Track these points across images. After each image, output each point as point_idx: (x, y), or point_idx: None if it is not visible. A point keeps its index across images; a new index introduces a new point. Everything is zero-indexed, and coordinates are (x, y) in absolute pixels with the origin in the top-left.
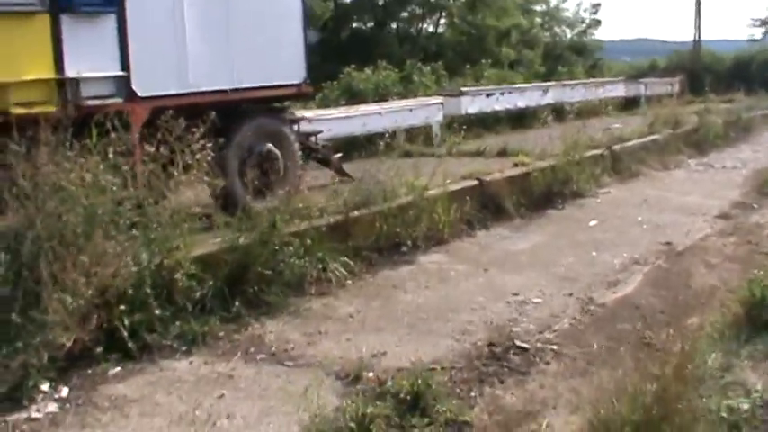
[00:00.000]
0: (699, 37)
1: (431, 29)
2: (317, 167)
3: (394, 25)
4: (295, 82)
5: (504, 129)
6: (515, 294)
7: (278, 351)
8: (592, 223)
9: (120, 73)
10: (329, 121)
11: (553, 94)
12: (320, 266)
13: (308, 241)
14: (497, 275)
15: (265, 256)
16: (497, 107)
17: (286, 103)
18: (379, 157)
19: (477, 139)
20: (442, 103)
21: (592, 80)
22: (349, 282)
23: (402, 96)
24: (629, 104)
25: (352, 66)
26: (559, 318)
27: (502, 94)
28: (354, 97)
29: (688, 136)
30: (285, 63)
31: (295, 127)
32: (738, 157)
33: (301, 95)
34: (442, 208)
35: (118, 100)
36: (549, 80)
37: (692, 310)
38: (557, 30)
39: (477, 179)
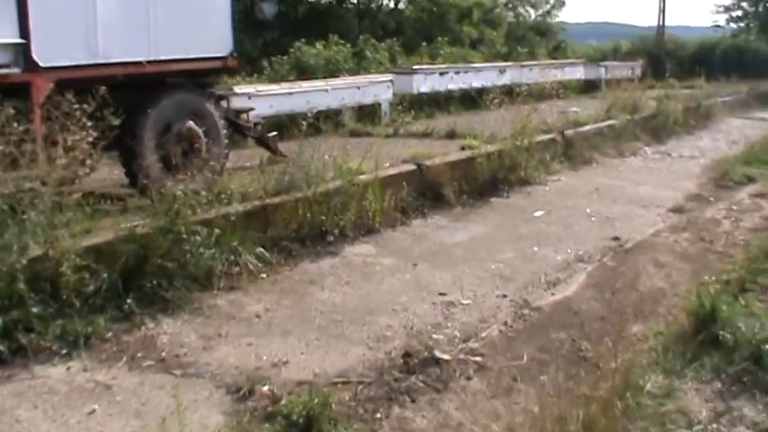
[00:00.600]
0: (663, 22)
1: (391, 5)
2: (252, 146)
3: (354, 0)
4: (220, 55)
5: (458, 109)
6: (443, 294)
7: (168, 357)
8: (537, 214)
9: (18, 40)
10: (270, 97)
11: (510, 74)
12: (231, 258)
13: (219, 230)
14: (427, 271)
15: (166, 246)
16: (451, 86)
17: (214, 78)
18: (322, 137)
19: (428, 119)
20: (392, 81)
21: (551, 61)
22: (263, 276)
23: (354, 73)
24: (588, 88)
25: (302, 40)
26: (488, 323)
27: (456, 73)
28: (304, 73)
29: (646, 122)
30: (209, 34)
31: (223, 103)
32: (697, 145)
33: (227, 69)
34: (373, 195)
35: (14, 70)
36: (518, 60)
37: (636, 317)
38: (520, 10)
39: (416, 164)
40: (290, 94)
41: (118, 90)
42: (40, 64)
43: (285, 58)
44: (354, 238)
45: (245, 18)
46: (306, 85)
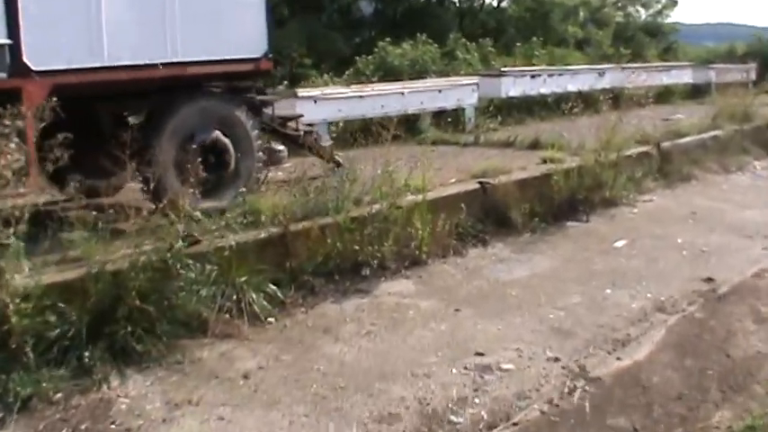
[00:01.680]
0: None
1: (494, 3)
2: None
3: None
4: (252, 56)
5: (550, 115)
6: (480, 355)
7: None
8: (618, 244)
9: (4, 40)
10: (338, 100)
11: (610, 77)
12: (235, 297)
13: (224, 263)
14: (469, 320)
15: (147, 284)
16: (544, 90)
17: (250, 82)
18: (394, 145)
19: (516, 126)
20: (477, 84)
21: (655, 64)
22: (270, 320)
23: (442, 75)
24: (696, 92)
25: (387, 39)
26: (528, 401)
27: (550, 75)
28: (389, 74)
29: (757, 133)
30: (239, 33)
31: (266, 110)
32: None
33: (260, 72)
34: (421, 220)
35: (1, 75)
36: (621, 62)
37: (723, 397)
38: (630, 9)
39: (480, 182)
40: (361, 97)
41: (128, 97)
42: (33, 68)
43: (370, 58)
44: (394, 271)
45: (341, 17)
46: (379, 87)
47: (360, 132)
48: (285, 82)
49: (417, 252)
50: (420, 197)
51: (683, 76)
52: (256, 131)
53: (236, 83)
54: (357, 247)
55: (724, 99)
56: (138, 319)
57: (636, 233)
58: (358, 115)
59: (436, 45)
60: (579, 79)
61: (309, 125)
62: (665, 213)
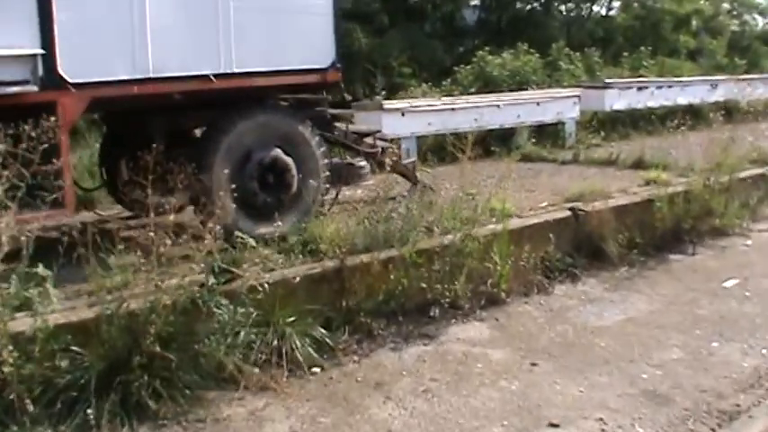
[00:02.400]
0: None
1: (603, 12)
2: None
3: (562, 7)
4: (318, 66)
5: (659, 130)
6: (555, 426)
7: None
8: (728, 284)
9: (37, 50)
10: (428, 113)
11: (724, 89)
12: (276, 343)
13: (268, 302)
14: (546, 377)
15: (167, 327)
16: (651, 103)
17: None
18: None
19: (621, 141)
20: (578, 97)
21: None
22: (315, 370)
23: (544, 86)
24: None
25: (487, 49)
26: None
27: (658, 88)
28: (487, 85)
29: None
30: (303, 41)
31: (340, 125)
32: None
33: (326, 84)
34: (501, 252)
35: (32, 88)
36: (735, 73)
37: None
38: (746, 17)
39: (572, 209)
40: (453, 110)
41: (180, 111)
42: (69, 80)
43: (468, 68)
44: (467, 312)
45: (443, 25)
46: (473, 99)
47: (451, 147)
48: (383, 92)
49: (495, 290)
50: (501, 226)
51: None
52: (323, 149)
53: (301, 96)
54: (425, 285)
55: None
56: (158, 367)
57: (749, 271)
58: (450, 129)
59: (538, 55)
60: (690, 92)
61: (394, 140)
62: None
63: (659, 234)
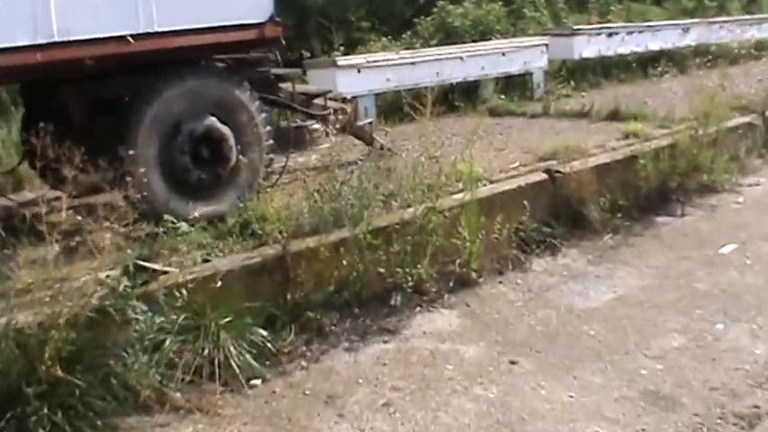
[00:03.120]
0: None
1: None
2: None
3: None
4: (253, 21)
5: (631, 78)
6: None
7: None
8: (725, 250)
9: None
10: (387, 68)
11: (696, 33)
12: (207, 352)
13: (199, 301)
14: (528, 380)
15: (69, 346)
16: (622, 50)
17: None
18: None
19: (592, 91)
20: (546, 45)
21: (746, 17)
22: (257, 382)
23: (509, 36)
24: None
25: None
26: None
27: (629, 33)
28: (449, 36)
29: None
30: None
31: (284, 86)
32: None
33: (264, 41)
34: (470, 226)
35: None
36: (706, 17)
37: None
38: None
39: (548, 171)
40: (413, 63)
41: (96, 80)
42: None
43: (429, 19)
44: (433, 298)
45: None
46: (434, 52)
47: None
48: (341, 48)
49: (465, 270)
50: (468, 196)
51: None
52: (265, 115)
53: (239, 56)
54: (383, 269)
55: None
56: (62, 395)
57: (746, 232)
58: (410, 84)
59: (501, 3)
60: (661, 37)
61: (351, 98)
62: None
63: (644, 194)
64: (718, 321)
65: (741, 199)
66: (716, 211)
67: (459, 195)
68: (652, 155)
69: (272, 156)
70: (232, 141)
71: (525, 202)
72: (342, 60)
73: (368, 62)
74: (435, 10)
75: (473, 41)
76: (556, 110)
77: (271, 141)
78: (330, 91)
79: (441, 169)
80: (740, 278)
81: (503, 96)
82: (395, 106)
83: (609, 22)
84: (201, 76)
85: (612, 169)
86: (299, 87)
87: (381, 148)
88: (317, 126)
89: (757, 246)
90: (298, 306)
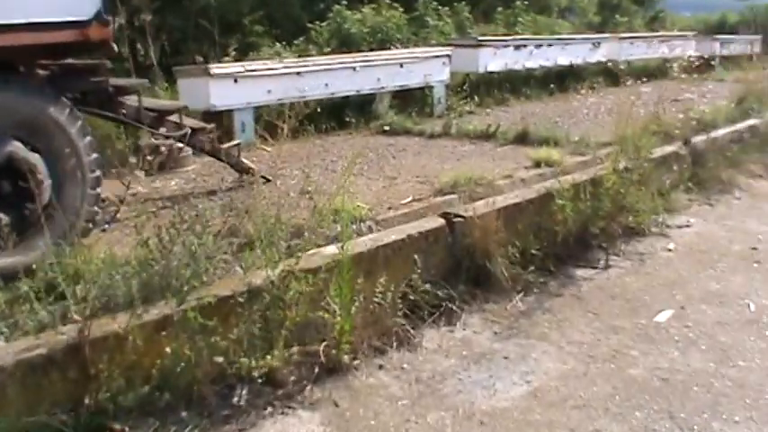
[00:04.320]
0: None
1: None
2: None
3: None
4: (73, 18)
5: (538, 94)
6: None
7: None
8: (662, 317)
9: None
10: (268, 78)
11: (606, 49)
12: None
13: None
14: None
15: None
16: (530, 64)
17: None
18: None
19: (498, 108)
20: (449, 57)
21: (656, 34)
22: None
23: (410, 45)
24: (700, 66)
25: (344, 2)
26: None
27: (537, 46)
28: (345, 44)
29: None
30: None
31: (128, 100)
32: None
33: (88, 45)
34: (341, 293)
35: None
36: (616, 31)
37: None
38: None
39: (445, 216)
40: (299, 74)
41: None
42: None
43: (324, 25)
44: (292, 393)
45: None
46: (323, 61)
47: (301, 119)
48: (233, 53)
49: (334, 351)
50: (342, 249)
51: (687, 48)
52: (89, 139)
53: (66, 62)
54: (221, 359)
55: (738, 74)
56: None
57: (682, 291)
58: (294, 97)
59: (402, 10)
60: (571, 51)
61: (225, 112)
62: (713, 248)
63: (561, 240)
64: (664, 429)
65: (672, 245)
66: (645, 261)
67: (330, 250)
68: (570, 193)
69: (99, 191)
70: (44, 173)
71: (416, 257)
72: (215, 68)
73: (246, 71)
74: (331, 15)
75: (371, 50)
76: (458, 130)
77: (98, 173)
78: (185, 106)
79: (315, 207)
80: (684, 360)
81: (399, 112)
82: (277, 122)
83: (516, 34)
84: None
85: (523, 211)
86: (149, 102)
87: (251, 174)
88: (180, 144)
89: (699, 311)
90: (99, 414)
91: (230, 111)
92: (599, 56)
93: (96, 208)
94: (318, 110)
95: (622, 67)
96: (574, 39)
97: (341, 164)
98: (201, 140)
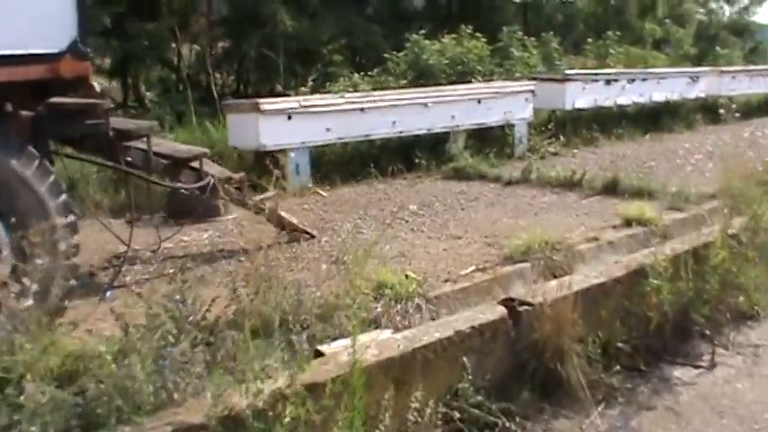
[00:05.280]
0: None
1: None
2: None
3: None
4: (43, 51)
5: (631, 133)
6: None
7: None
8: None
9: None
10: (326, 115)
11: (705, 83)
12: None
13: None
14: None
15: None
16: (622, 100)
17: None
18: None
19: (586, 148)
20: (532, 92)
21: (761, 67)
22: None
23: (494, 78)
24: None
25: (422, 32)
26: None
27: (630, 81)
28: (423, 76)
29: None
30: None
31: (136, 146)
32: None
33: (61, 81)
34: (354, 420)
35: None
36: (717, 65)
37: None
38: (713, 5)
39: (508, 304)
40: (362, 110)
41: None
42: None
43: (401, 55)
44: None
45: (388, 8)
46: (390, 96)
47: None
48: (311, 83)
49: None
50: (351, 356)
51: None
52: (64, 198)
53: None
54: None
55: None
56: None
57: None
58: (357, 136)
59: (485, 40)
60: (666, 86)
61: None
62: None
63: (654, 329)
64: None
65: None
66: (761, 356)
67: (344, 358)
68: (668, 270)
69: (76, 261)
70: (4, 241)
71: (465, 359)
72: (266, 104)
73: (301, 106)
74: (408, 45)
75: (450, 83)
76: (538, 176)
77: (75, 240)
78: (206, 153)
79: (349, 285)
80: None
81: (476, 154)
82: (338, 163)
83: (607, 66)
84: None
85: (608, 293)
86: (164, 146)
87: (291, 231)
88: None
89: None
90: None
91: (283, 151)
92: (697, 91)
93: (74, 281)
94: (384, 150)
95: (723, 102)
96: (669, 73)
97: (402, 215)
98: (227, 192)
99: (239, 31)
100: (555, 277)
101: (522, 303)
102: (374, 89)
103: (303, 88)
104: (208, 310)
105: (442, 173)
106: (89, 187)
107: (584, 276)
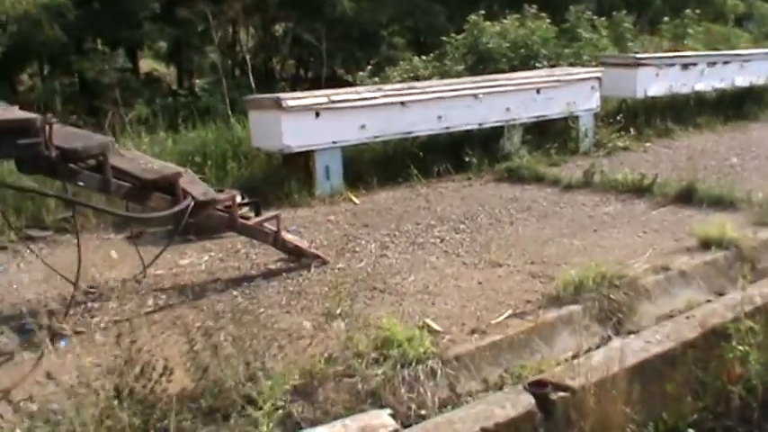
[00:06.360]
0: None
1: None
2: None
3: None
4: None
5: (710, 122)
6: None
7: None
8: None
9: None
10: (360, 110)
11: None
12: None
13: None
14: None
15: None
16: (701, 86)
17: None
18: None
19: (660, 141)
20: (599, 79)
21: None
22: None
23: (559, 62)
24: None
25: (482, 13)
26: None
27: (711, 64)
28: (482, 61)
29: None
30: None
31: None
32: None
33: None
34: None
35: None
36: None
37: None
38: None
39: (537, 393)
40: (403, 104)
41: None
42: None
43: (460, 38)
44: None
45: None
46: (436, 87)
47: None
48: (369, 67)
49: None
50: None
51: None
52: None
53: None
54: None
55: None
56: None
57: None
58: (397, 133)
59: (550, 21)
60: (751, 69)
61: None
62: None
63: (738, 408)
64: None
65: None
66: None
67: None
68: (759, 334)
69: None
70: None
71: None
72: (290, 99)
73: (331, 101)
74: (467, 26)
75: (512, 69)
76: (602, 179)
77: None
78: (180, 173)
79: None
80: None
81: (534, 150)
82: (375, 164)
83: (685, 49)
84: None
85: (676, 363)
86: (129, 164)
87: (301, 255)
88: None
89: None
90: None
91: (311, 152)
92: None
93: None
94: (428, 149)
95: None
96: (756, 54)
97: (438, 231)
98: (213, 217)
99: (297, 14)
100: (611, 320)
101: (558, 389)
102: (431, 75)
103: (361, 73)
104: (157, 381)
105: (495, 174)
106: (90, 199)
107: (644, 344)
